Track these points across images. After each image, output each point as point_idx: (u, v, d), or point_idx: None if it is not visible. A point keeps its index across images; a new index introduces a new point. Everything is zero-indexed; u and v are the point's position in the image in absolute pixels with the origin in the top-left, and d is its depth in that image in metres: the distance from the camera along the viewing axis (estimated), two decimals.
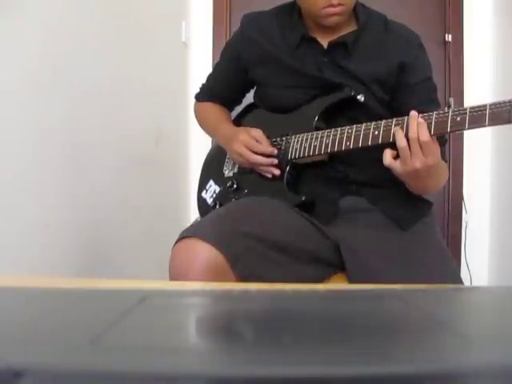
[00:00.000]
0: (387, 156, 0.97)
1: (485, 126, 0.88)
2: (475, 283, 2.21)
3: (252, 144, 1.13)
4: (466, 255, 2.27)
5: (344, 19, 1.10)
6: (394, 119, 0.98)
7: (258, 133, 1.15)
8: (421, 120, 0.94)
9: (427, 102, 1.08)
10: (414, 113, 0.95)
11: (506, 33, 2.17)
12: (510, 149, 2.08)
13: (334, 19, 1.08)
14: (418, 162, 0.93)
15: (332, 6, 1.05)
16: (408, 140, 0.94)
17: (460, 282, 1.05)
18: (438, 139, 0.96)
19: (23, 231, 1.06)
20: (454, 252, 2.21)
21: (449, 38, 2.33)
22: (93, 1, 1.38)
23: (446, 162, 1.15)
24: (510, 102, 0.85)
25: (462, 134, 2.30)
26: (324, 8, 1.06)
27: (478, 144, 2.29)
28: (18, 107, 1.04)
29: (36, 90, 1.10)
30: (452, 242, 2.32)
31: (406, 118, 0.96)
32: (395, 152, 0.97)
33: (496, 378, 0.22)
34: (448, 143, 2.28)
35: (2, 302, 0.37)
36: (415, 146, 0.93)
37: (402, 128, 0.96)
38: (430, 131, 0.93)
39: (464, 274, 2.18)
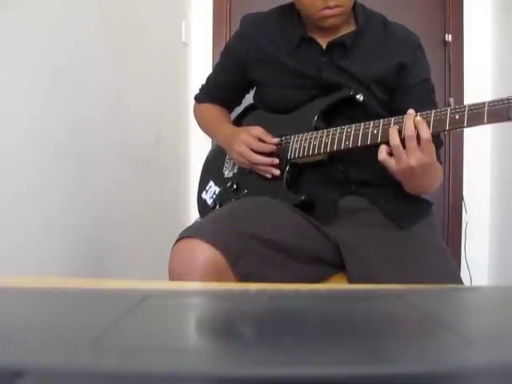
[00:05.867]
0: (382, 151, 0.97)
1: (483, 123, 0.88)
2: (475, 283, 2.21)
3: (253, 143, 1.14)
4: (466, 255, 2.27)
5: (342, 20, 1.10)
6: (393, 118, 0.98)
7: (258, 130, 1.15)
8: (419, 118, 0.94)
9: (425, 103, 1.08)
10: (411, 111, 0.95)
11: (506, 33, 2.17)
12: (510, 149, 2.08)
13: (332, 21, 1.08)
14: (413, 160, 0.93)
15: (329, 8, 1.05)
16: (403, 138, 0.94)
17: (460, 282, 1.05)
18: (433, 140, 0.96)
19: (26, 232, 1.06)
20: (454, 252, 2.21)
21: (449, 38, 2.33)
22: (93, 1, 1.38)
23: (441, 163, 1.15)
24: (508, 99, 0.85)
25: (462, 133, 2.30)
26: (321, 10, 1.06)
27: (478, 144, 2.29)
28: (18, 108, 1.04)
29: (36, 91, 1.10)
30: (452, 242, 2.32)
31: (404, 116, 0.96)
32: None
33: (496, 378, 0.22)
34: (448, 143, 2.30)
35: (3, 302, 0.37)
36: (412, 144, 0.93)
37: (400, 127, 0.96)
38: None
39: (464, 273, 2.18)
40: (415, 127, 0.93)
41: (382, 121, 1.00)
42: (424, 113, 0.95)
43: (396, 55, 1.10)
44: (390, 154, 0.96)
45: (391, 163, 0.96)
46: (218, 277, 0.89)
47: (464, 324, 0.33)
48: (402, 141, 0.95)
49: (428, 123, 0.93)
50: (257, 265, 0.95)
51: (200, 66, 2.32)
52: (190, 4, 2.41)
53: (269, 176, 1.15)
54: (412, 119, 0.94)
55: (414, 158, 0.93)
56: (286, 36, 1.16)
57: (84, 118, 1.32)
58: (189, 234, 0.93)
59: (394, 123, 0.98)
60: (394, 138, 0.95)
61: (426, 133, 0.92)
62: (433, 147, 0.95)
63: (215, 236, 0.92)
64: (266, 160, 1.13)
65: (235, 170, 1.25)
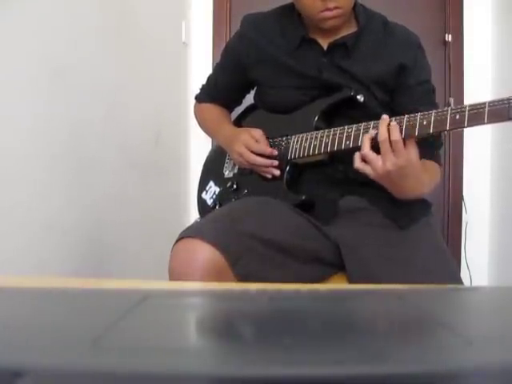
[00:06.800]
0: (356, 159, 0.98)
1: (484, 123, 0.88)
2: (475, 283, 2.21)
3: (252, 144, 1.14)
4: (466, 255, 2.27)
5: (342, 22, 1.10)
6: (393, 118, 0.98)
7: (258, 133, 1.15)
8: (393, 123, 0.95)
9: (425, 104, 1.08)
10: (385, 116, 0.97)
11: (506, 33, 2.17)
12: (510, 149, 2.08)
13: (331, 22, 1.08)
14: (388, 164, 0.94)
15: (328, 9, 1.05)
16: (377, 143, 0.95)
17: (460, 282, 1.05)
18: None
19: (27, 232, 1.06)
20: (454, 252, 2.21)
21: (449, 38, 2.33)
22: (93, 1, 1.38)
23: (440, 165, 1.14)
24: (508, 99, 0.85)
25: (462, 133, 2.30)
26: (321, 12, 1.06)
27: (478, 143, 2.29)
28: (18, 109, 1.04)
29: (35, 91, 1.10)
30: (452, 242, 2.32)
31: (405, 116, 0.96)
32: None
33: (496, 378, 0.22)
34: (448, 143, 2.30)
35: (3, 302, 0.37)
36: (385, 148, 0.94)
37: (401, 127, 0.96)
38: (414, 133, 0.94)
39: (464, 273, 2.18)
40: (388, 132, 0.94)
41: None
42: (424, 113, 0.95)
43: (396, 56, 1.10)
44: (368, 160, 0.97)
45: (368, 170, 0.97)
46: (218, 277, 0.89)
47: (464, 324, 0.33)
48: (377, 146, 0.95)
49: (428, 123, 0.93)
50: (257, 265, 0.95)
51: (200, 66, 2.32)
52: (190, 4, 2.41)
53: (269, 176, 1.15)
54: (385, 124, 0.95)
55: (389, 161, 0.94)
56: (287, 36, 1.16)
57: (84, 118, 1.32)
58: (189, 234, 0.93)
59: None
60: (365, 147, 0.96)
61: (395, 135, 0.93)
62: (411, 150, 0.94)
63: (215, 236, 0.92)
64: (265, 162, 1.14)
65: (235, 171, 1.25)
